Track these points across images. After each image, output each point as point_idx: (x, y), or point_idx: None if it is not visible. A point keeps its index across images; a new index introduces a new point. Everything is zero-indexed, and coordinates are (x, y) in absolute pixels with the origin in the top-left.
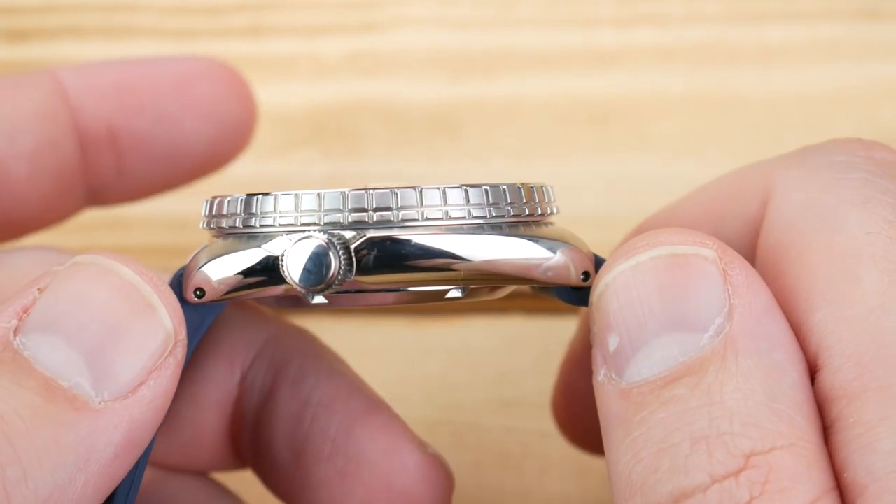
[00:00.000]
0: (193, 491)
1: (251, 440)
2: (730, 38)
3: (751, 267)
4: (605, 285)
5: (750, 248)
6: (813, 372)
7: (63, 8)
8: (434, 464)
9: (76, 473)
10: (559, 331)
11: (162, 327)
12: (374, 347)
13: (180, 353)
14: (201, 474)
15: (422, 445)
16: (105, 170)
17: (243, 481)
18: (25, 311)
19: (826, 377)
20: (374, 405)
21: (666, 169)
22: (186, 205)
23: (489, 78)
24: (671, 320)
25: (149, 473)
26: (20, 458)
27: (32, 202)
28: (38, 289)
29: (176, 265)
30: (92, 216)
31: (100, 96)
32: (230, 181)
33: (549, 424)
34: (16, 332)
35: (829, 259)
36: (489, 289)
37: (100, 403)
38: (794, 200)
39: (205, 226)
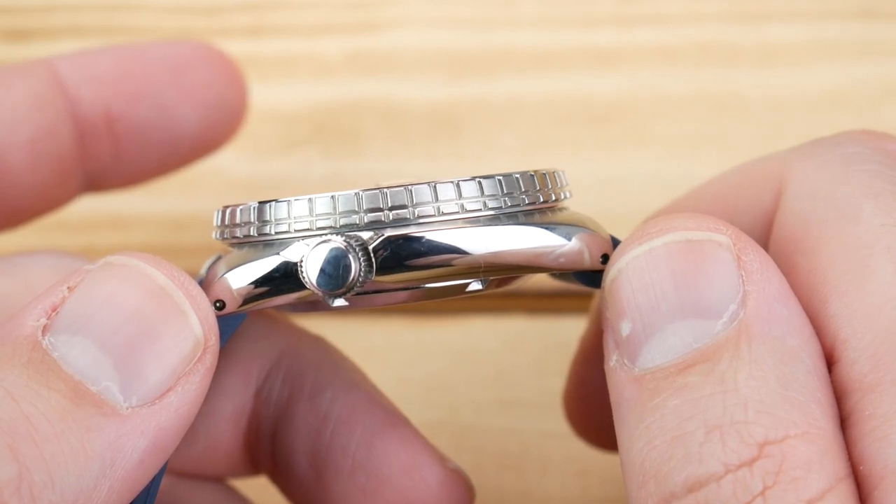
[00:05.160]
0: (207, 497)
1: (269, 453)
2: (730, 38)
3: (765, 252)
4: (618, 270)
5: (763, 240)
6: (829, 364)
7: (63, 7)
8: (455, 479)
9: (101, 479)
10: (559, 331)
11: (192, 333)
12: (374, 348)
13: (210, 359)
14: (215, 480)
15: (442, 460)
16: (102, 156)
17: (258, 488)
18: (54, 309)
19: (842, 370)
20: (394, 419)
21: (666, 169)
22: (186, 205)
23: (489, 78)
24: (685, 306)
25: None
26: (47, 463)
27: (31, 190)
28: (68, 287)
29: (176, 265)
30: (92, 216)
31: (96, 84)
32: (230, 181)
33: (548, 424)
34: (44, 330)
35: (843, 251)
36: (510, 279)
37: (128, 409)
38: (806, 192)
39: (218, 236)
